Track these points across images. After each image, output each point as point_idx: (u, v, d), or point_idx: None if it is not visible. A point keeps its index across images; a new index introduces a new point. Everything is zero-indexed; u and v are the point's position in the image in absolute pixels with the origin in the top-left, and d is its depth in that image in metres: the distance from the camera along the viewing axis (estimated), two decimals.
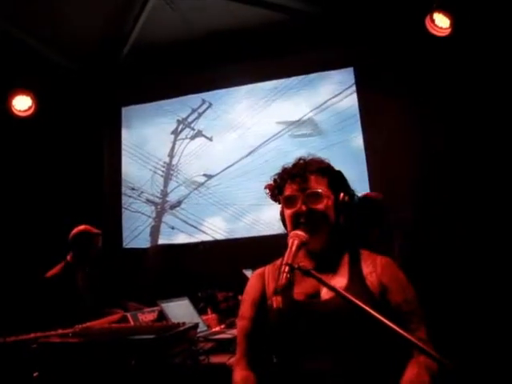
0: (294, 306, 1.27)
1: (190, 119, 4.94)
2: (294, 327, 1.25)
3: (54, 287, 2.91)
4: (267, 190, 1.43)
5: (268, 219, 4.34)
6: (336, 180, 1.38)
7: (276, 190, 1.41)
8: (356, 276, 1.29)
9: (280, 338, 1.28)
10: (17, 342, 1.86)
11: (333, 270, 1.32)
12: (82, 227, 3.17)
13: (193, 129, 4.92)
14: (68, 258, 3.11)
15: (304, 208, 1.30)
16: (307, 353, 1.22)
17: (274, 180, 1.42)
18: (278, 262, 1.41)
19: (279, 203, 1.41)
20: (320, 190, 1.32)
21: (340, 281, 1.27)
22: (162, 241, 4.79)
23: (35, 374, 1.73)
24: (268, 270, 1.43)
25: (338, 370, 1.18)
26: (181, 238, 4.71)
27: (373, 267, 1.31)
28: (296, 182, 1.34)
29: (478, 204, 3.67)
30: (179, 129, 4.97)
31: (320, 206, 1.30)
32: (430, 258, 3.41)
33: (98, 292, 3.11)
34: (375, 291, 1.26)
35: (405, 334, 0.94)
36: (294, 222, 1.31)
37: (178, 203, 4.81)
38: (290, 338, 1.26)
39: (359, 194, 1.47)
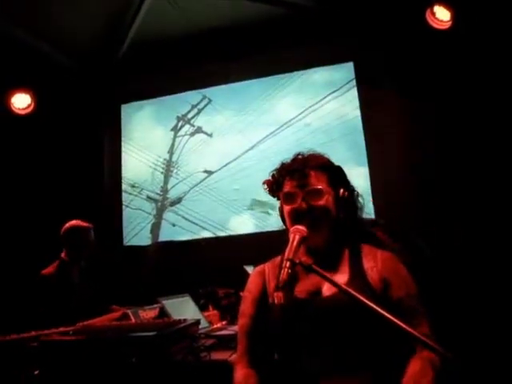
0: (295, 303, 1.25)
1: (189, 115, 4.92)
2: (296, 325, 1.24)
3: (49, 285, 2.85)
4: (265, 186, 1.42)
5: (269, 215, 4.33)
6: (336, 175, 1.37)
7: (274, 186, 1.39)
8: (357, 272, 1.28)
9: (282, 335, 1.26)
10: (18, 340, 1.85)
11: (333, 266, 1.30)
12: (72, 222, 3.08)
13: (192, 125, 4.90)
14: (62, 255, 3.03)
15: (304, 205, 1.29)
16: (309, 350, 1.21)
17: (273, 175, 1.40)
18: (278, 258, 1.40)
19: (278, 199, 1.40)
20: (320, 187, 1.30)
21: (341, 277, 1.25)
22: (162, 238, 4.78)
23: (36, 372, 1.73)
24: (268, 267, 1.42)
25: (340, 367, 1.17)
26: (182, 235, 4.70)
27: (374, 262, 1.30)
28: (295, 178, 1.32)
29: (469, 206, 3.63)
30: (179, 125, 4.95)
31: (321, 202, 1.29)
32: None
33: (95, 288, 3.06)
34: (376, 286, 1.24)
35: (408, 328, 0.93)
36: (294, 218, 1.30)
37: (179, 200, 4.80)
38: (291, 335, 1.24)
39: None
